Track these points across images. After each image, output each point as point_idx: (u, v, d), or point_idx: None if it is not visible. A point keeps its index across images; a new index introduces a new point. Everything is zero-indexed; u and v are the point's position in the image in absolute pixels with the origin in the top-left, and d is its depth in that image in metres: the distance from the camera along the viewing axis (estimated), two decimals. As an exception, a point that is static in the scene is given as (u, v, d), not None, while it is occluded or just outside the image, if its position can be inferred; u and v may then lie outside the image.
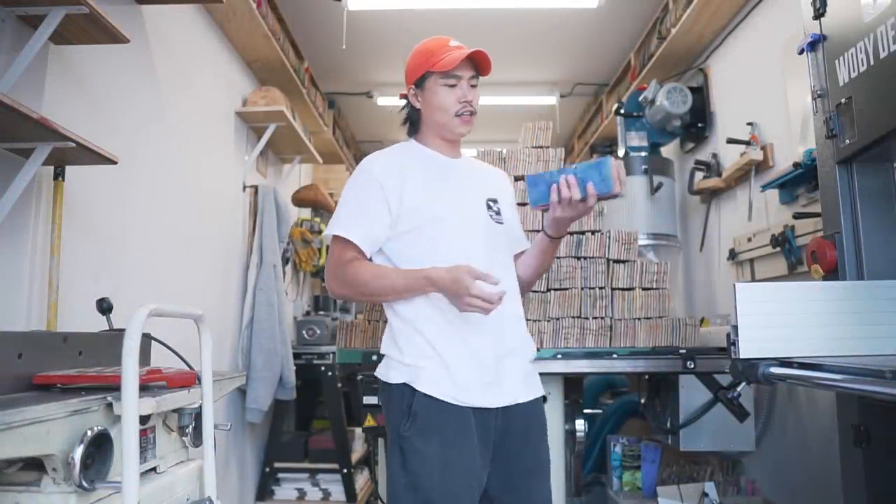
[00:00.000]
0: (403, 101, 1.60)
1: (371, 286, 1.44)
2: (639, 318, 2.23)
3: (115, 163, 1.67)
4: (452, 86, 1.48)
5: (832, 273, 1.63)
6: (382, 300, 1.49)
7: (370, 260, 1.50)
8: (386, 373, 1.47)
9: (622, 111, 3.46)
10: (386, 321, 1.94)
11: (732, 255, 2.94)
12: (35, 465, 0.97)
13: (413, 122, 1.59)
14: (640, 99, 3.41)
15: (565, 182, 1.43)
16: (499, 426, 1.43)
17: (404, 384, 1.41)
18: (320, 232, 4.10)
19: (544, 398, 1.57)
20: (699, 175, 3.26)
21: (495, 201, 1.58)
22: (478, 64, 1.51)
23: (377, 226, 1.46)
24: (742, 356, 1.41)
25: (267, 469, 3.38)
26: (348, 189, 1.52)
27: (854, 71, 1.52)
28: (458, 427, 1.38)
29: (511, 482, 1.44)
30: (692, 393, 2.19)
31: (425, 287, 1.39)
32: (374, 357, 1.97)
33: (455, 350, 1.41)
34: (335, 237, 1.47)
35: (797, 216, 2.28)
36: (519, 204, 1.92)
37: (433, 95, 1.50)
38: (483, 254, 1.46)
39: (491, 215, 1.55)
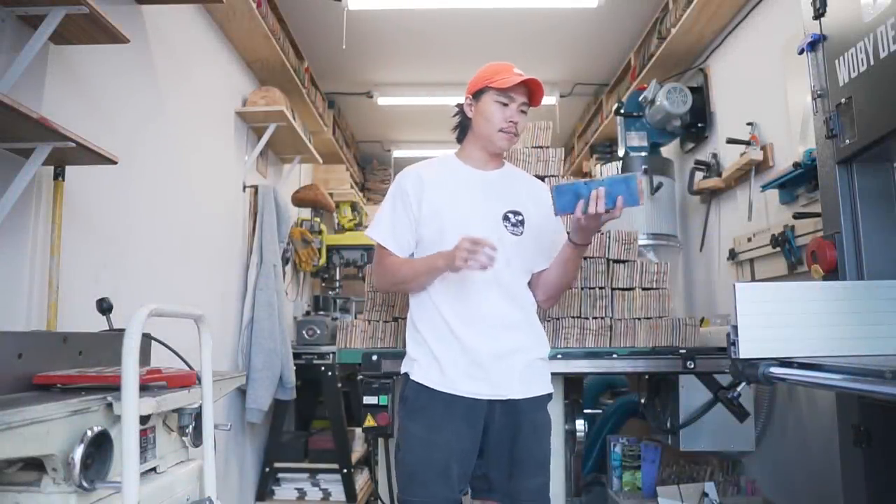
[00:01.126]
0: (455, 110, 1.77)
1: (400, 273, 1.64)
2: (639, 318, 2.23)
3: (115, 163, 1.67)
4: (504, 104, 1.64)
5: (832, 273, 1.63)
6: (413, 285, 1.66)
7: None
8: (402, 366, 1.67)
9: (622, 111, 3.46)
10: (386, 321, 2.04)
11: (732, 255, 2.94)
12: (35, 465, 0.97)
13: (462, 129, 1.76)
14: (640, 99, 3.41)
15: (595, 195, 1.52)
16: (495, 418, 1.57)
17: (406, 374, 1.62)
18: (321, 232, 4.10)
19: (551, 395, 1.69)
20: (699, 175, 3.26)
21: (517, 213, 1.69)
22: (531, 94, 1.67)
23: (406, 234, 1.67)
24: (742, 356, 1.41)
25: (267, 469, 3.38)
26: (387, 196, 1.72)
27: (854, 71, 1.52)
28: (443, 412, 1.54)
29: (503, 469, 1.58)
30: (692, 393, 2.19)
31: (438, 263, 1.54)
32: (375, 357, 1.97)
33: (447, 348, 1.58)
34: (379, 243, 1.68)
35: (797, 216, 2.28)
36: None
37: (485, 107, 1.66)
38: None
39: (506, 227, 1.66)
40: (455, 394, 1.54)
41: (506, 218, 1.67)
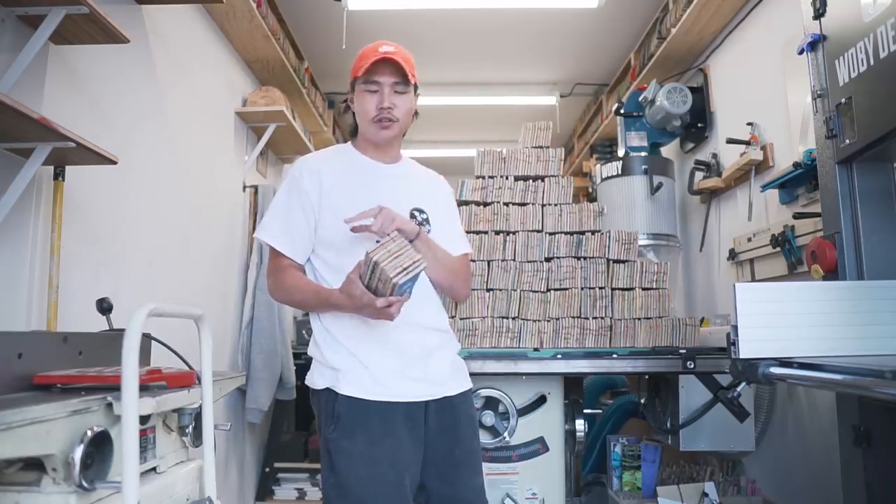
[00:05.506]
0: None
1: (294, 298, 1.50)
2: (639, 318, 2.23)
3: (115, 163, 1.67)
4: (374, 91, 1.51)
5: (832, 273, 1.63)
6: (312, 310, 1.51)
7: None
8: (311, 378, 1.48)
9: (622, 111, 3.46)
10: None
11: (732, 255, 2.94)
12: (35, 465, 0.97)
13: (354, 125, 1.63)
14: (640, 99, 3.41)
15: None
16: (429, 420, 1.45)
17: (328, 389, 1.42)
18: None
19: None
20: (699, 175, 3.26)
21: (422, 211, 1.57)
22: (402, 71, 1.51)
23: (303, 238, 1.49)
24: (742, 356, 1.41)
25: (267, 469, 3.38)
26: (279, 193, 1.53)
27: (854, 71, 1.52)
28: (382, 423, 1.39)
29: (446, 474, 1.46)
30: (692, 393, 2.19)
31: (330, 310, 1.43)
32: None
33: (374, 351, 1.43)
34: (272, 247, 1.50)
35: (797, 216, 2.28)
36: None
37: (358, 100, 1.54)
38: None
39: (413, 224, 1.52)
40: (392, 401, 1.40)
41: (412, 216, 1.55)
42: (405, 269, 1.30)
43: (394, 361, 1.43)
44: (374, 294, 1.32)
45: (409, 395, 1.42)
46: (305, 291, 1.46)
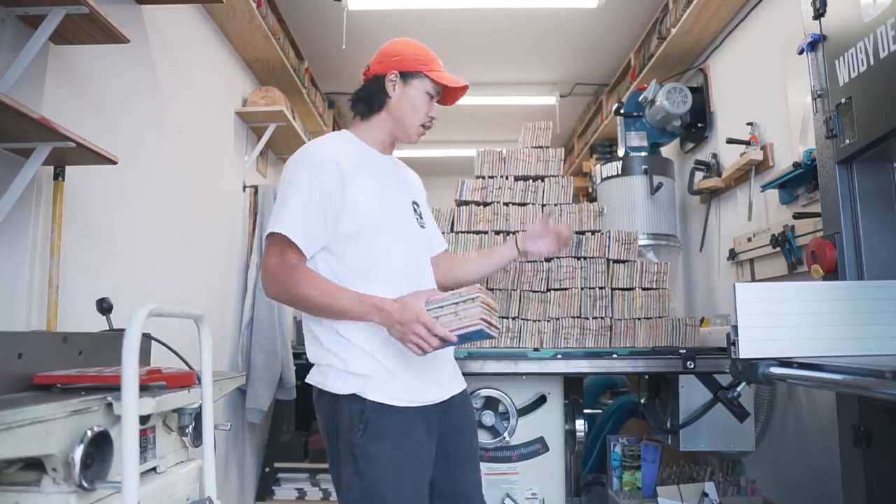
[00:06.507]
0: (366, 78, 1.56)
1: (316, 302, 1.36)
2: (639, 318, 2.23)
3: (115, 163, 1.67)
4: (432, 97, 1.54)
5: (832, 273, 1.63)
6: (323, 317, 1.42)
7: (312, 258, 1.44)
8: (325, 381, 1.41)
9: (622, 111, 3.46)
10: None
11: (732, 255, 2.94)
12: (35, 465, 0.97)
13: (370, 105, 1.54)
14: (640, 99, 3.41)
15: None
16: (440, 420, 1.47)
17: (354, 395, 1.37)
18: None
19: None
20: (699, 175, 3.27)
21: (418, 205, 1.61)
22: (445, 96, 1.59)
23: (319, 229, 1.39)
24: (742, 356, 1.41)
25: (267, 469, 3.38)
26: (296, 182, 1.40)
27: (854, 71, 1.52)
28: (406, 428, 1.39)
29: (448, 471, 1.49)
30: (692, 393, 2.19)
31: (371, 314, 1.34)
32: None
33: (398, 357, 1.40)
34: (274, 234, 1.37)
35: (797, 216, 2.29)
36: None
37: (415, 94, 1.52)
38: (410, 258, 1.49)
39: (416, 219, 1.57)
40: (415, 405, 1.40)
41: (413, 209, 1.57)
42: (490, 324, 1.30)
43: (416, 367, 1.42)
44: None
45: (427, 398, 1.43)
46: (335, 296, 1.35)
